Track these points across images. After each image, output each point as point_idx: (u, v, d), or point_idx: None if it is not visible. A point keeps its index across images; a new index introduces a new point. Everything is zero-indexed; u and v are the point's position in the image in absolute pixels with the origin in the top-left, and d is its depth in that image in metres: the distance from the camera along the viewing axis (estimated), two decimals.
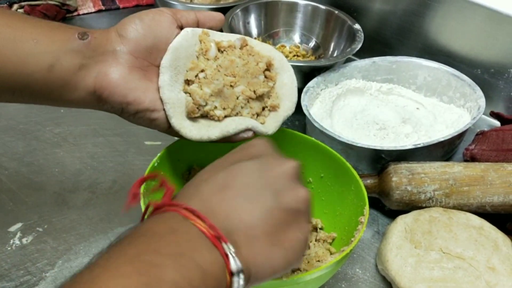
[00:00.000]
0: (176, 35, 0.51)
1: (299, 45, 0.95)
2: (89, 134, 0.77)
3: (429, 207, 0.64)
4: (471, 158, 0.72)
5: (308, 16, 0.94)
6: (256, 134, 0.53)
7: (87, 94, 0.49)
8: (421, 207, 0.65)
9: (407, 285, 0.56)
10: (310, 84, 0.78)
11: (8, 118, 0.79)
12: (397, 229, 0.61)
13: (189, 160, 0.61)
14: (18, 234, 0.62)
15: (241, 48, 0.54)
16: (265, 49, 0.56)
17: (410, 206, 0.65)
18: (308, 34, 0.95)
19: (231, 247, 0.35)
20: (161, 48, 0.51)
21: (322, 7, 0.93)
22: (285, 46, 0.95)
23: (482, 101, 0.75)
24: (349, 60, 0.85)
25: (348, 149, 0.69)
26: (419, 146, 0.68)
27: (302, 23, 0.95)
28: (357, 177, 0.57)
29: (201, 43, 0.52)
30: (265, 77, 0.54)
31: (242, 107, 0.52)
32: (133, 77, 0.49)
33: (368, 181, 0.67)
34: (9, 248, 0.60)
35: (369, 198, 0.68)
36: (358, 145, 0.68)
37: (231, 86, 0.52)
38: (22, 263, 0.59)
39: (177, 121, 0.49)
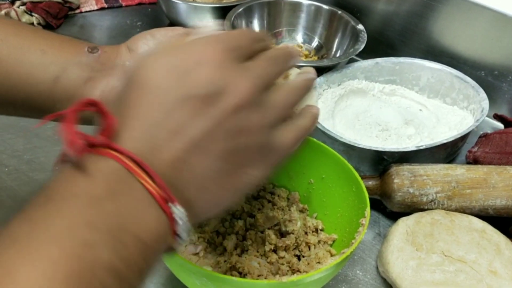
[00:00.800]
0: None
1: (302, 45, 0.95)
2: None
3: (431, 209, 0.64)
4: (474, 161, 0.71)
5: (311, 16, 0.94)
6: None
7: None
8: (423, 210, 0.64)
9: None
10: None
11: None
12: (399, 231, 0.61)
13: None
14: None
15: None
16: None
17: (412, 208, 0.65)
18: (311, 34, 0.95)
19: (182, 210, 0.32)
20: None
21: (325, 7, 0.93)
22: None
23: (485, 103, 0.74)
24: (352, 61, 0.84)
25: (349, 150, 0.69)
26: (421, 148, 0.67)
27: (305, 23, 0.95)
28: (359, 178, 0.56)
29: None
30: None
31: None
32: None
33: (370, 182, 0.66)
34: None
35: (370, 199, 0.67)
36: (360, 146, 0.67)
37: None
38: None
39: None
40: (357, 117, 0.79)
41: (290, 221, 0.59)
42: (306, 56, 0.92)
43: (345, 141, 0.68)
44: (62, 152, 0.31)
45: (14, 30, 0.46)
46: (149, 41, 0.48)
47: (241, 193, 0.37)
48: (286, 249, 0.57)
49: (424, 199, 0.64)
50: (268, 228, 0.58)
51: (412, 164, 0.66)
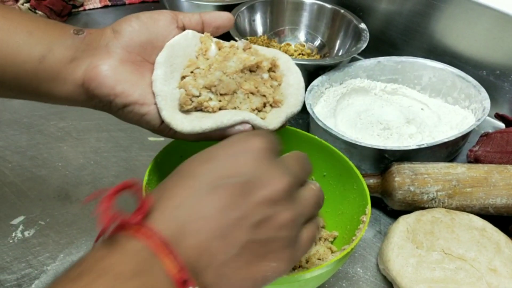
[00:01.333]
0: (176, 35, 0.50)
1: (304, 43, 0.95)
2: (92, 129, 0.77)
3: (431, 207, 0.64)
4: (475, 160, 0.72)
5: (314, 14, 0.94)
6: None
7: (76, 87, 0.48)
8: (423, 208, 0.64)
9: (408, 285, 0.56)
10: (315, 82, 0.78)
11: (12, 111, 0.80)
12: (399, 229, 0.61)
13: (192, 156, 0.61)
14: (20, 227, 0.62)
15: (244, 50, 0.52)
16: (270, 52, 0.54)
17: (412, 206, 0.65)
18: (313, 33, 0.95)
19: None
20: (156, 45, 0.49)
21: (328, 6, 0.93)
22: (290, 45, 0.95)
23: (487, 102, 0.74)
24: (354, 60, 0.85)
25: (351, 148, 0.69)
26: (423, 146, 0.67)
27: (307, 21, 0.95)
28: (360, 176, 0.56)
29: (202, 44, 0.51)
30: (270, 78, 0.52)
31: (240, 102, 0.49)
32: (123, 69, 0.47)
33: (371, 180, 0.67)
34: (11, 241, 0.61)
35: (371, 197, 0.68)
36: (362, 144, 0.68)
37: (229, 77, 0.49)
38: (24, 256, 0.59)
39: (168, 113, 0.47)
40: (358, 116, 0.80)
41: None
42: (309, 55, 0.93)
43: (346, 139, 0.68)
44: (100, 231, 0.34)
45: (1, 13, 0.47)
46: (133, 22, 0.48)
47: (259, 286, 0.37)
48: None
49: (425, 197, 0.64)
50: None
51: (413, 162, 0.66)
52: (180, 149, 0.58)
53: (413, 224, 0.61)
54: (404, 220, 0.62)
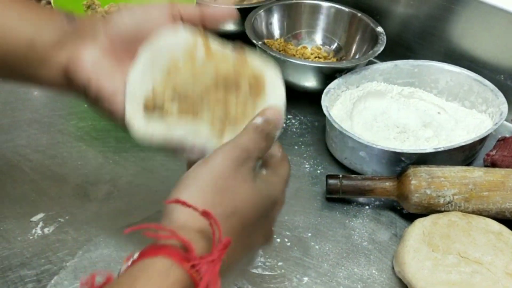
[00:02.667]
0: None
1: (321, 46, 0.96)
2: (111, 129, 0.78)
3: (448, 211, 0.64)
4: (492, 164, 0.71)
5: (331, 18, 0.95)
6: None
7: (59, 72, 0.47)
8: (439, 211, 0.64)
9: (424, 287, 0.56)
10: (331, 85, 0.78)
11: (33, 111, 0.81)
12: (415, 232, 0.61)
13: None
14: (40, 224, 0.63)
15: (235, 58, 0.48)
16: (261, 65, 0.49)
17: (428, 209, 0.65)
18: (330, 36, 0.95)
19: None
20: (143, 39, 0.47)
21: (345, 9, 0.93)
22: (307, 48, 0.95)
23: (504, 107, 0.74)
24: (370, 63, 0.85)
25: (368, 151, 0.69)
26: (439, 149, 0.68)
27: (324, 25, 0.96)
28: None
29: (190, 44, 0.48)
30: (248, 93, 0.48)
31: (203, 109, 0.46)
32: (103, 60, 0.47)
33: (387, 183, 0.67)
34: (31, 237, 0.62)
35: (387, 201, 0.68)
36: (378, 147, 0.68)
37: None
38: (43, 252, 0.60)
39: (131, 108, 0.46)
40: (375, 119, 0.80)
41: None
42: (325, 58, 0.93)
43: (363, 142, 0.68)
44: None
45: None
46: (124, 14, 0.48)
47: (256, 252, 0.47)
48: None
49: (441, 200, 0.64)
50: None
51: (430, 165, 0.66)
52: None
53: (429, 227, 0.61)
54: (420, 223, 0.62)
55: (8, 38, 0.47)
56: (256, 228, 0.44)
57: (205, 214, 0.38)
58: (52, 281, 0.57)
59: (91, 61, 0.46)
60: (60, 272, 0.58)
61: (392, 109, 0.82)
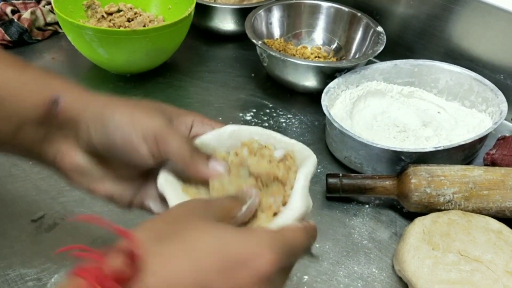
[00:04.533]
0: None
1: (321, 46, 0.96)
2: None
3: (448, 210, 0.64)
4: (492, 163, 0.71)
5: (331, 18, 0.95)
6: None
7: (51, 163, 0.47)
8: (439, 210, 0.64)
9: (423, 286, 0.56)
10: (331, 85, 0.78)
11: None
12: (415, 231, 0.61)
13: None
14: (41, 223, 0.63)
15: (281, 160, 0.45)
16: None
17: (428, 208, 0.65)
18: (330, 36, 0.96)
19: None
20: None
21: (345, 9, 0.93)
22: (307, 47, 0.95)
23: (504, 106, 0.74)
24: (370, 62, 0.85)
25: (368, 150, 0.69)
26: (439, 148, 0.68)
27: (324, 24, 0.96)
28: None
29: (236, 155, 0.45)
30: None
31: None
32: (90, 161, 0.46)
33: (387, 182, 0.67)
34: (31, 236, 0.62)
35: (387, 199, 0.68)
36: (378, 146, 0.68)
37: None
38: (44, 250, 0.60)
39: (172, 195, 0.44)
40: (375, 118, 0.80)
41: None
42: (325, 57, 0.93)
43: (363, 141, 0.68)
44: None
45: None
46: (105, 128, 0.43)
47: None
48: None
49: (441, 199, 0.64)
50: None
51: (430, 164, 0.66)
52: None
53: (429, 226, 0.61)
54: (420, 222, 0.62)
55: None
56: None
57: (120, 232, 0.33)
58: (52, 280, 0.57)
59: (75, 166, 0.46)
60: (60, 271, 0.58)
61: (392, 109, 0.82)
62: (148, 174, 0.47)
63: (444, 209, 0.65)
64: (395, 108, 0.82)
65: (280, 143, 0.46)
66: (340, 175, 0.68)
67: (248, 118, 0.83)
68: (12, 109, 0.43)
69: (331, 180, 0.68)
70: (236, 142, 0.46)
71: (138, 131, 0.42)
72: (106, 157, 0.45)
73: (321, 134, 0.80)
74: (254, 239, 0.35)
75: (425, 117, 0.80)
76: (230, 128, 0.46)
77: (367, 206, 0.69)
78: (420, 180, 0.64)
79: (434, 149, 0.68)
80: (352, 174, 0.69)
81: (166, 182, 0.44)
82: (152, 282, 0.31)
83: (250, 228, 0.37)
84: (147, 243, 0.33)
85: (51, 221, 0.64)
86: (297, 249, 0.38)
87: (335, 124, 0.71)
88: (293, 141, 0.46)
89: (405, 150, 0.68)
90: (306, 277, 0.60)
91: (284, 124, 0.82)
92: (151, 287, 0.31)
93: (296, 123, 0.83)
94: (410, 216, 0.67)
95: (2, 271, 0.58)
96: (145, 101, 0.45)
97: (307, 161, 0.45)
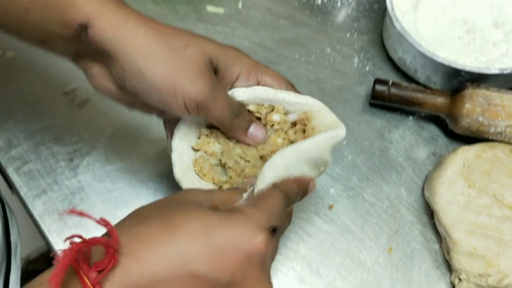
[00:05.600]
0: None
1: None
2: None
3: (495, 141, 0.60)
4: None
5: None
6: None
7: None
8: (487, 140, 0.61)
9: (449, 223, 0.55)
10: None
11: None
12: (456, 162, 0.58)
13: None
14: (73, 96, 0.62)
15: (296, 124, 0.46)
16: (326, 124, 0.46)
17: (476, 135, 0.61)
18: None
19: None
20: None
21: None
22: None
23: None
24: None
25: (425, 59, 0.63)
26: (505, 72, 0.61)
27: None
28: None
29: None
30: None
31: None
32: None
33: (439, 100, 0.62)
34: (64, 111, 0.61)
35: (434, 115, 0.64)
36: (438, 60, 0.61)
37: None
38: (76, 129, 0.60)
39: (180, 170, 0.45)
40: (442, 10, 0.71)
41: None
42: None
43: (423, 51, 0.61)
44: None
45: None
46: (143, 81, 0.40)
47: None
48: None
49: (492, 129, 0.60)
50: None
51: (490, 88, 0.60)
52: None
53: (471, 160, 0.58)
54: (463, 153, 0.59)
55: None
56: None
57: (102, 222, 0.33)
58: (84, 162, 0.58)
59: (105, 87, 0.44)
60: (92, 153, 0.59)
61: (464, 1, 0.72)
62: None
63: (492, 140, 0.61)
64: (467, 0, 0.72)
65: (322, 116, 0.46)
66: (390, 83, 0.63)
67: None
68: (38, 21, 0.39)
69: (378, 87, 0.63)
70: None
71: (179, 98, 0.39)
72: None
73: (378, 22, 0.72)
74: (242, 222, 0.34)
75: (498, 16, 0.71)
76: (263, 90, 0.45)
77: (411, 117, 0.65)
78: (475, 107, 0.59)
79: (499, 72, 0.61)
80: (403, 84, 0.64)
81: (180, 140, 0.45)
82: (136, 269, 0.31)
83: (237, 210, 0.35)
84: (131, 226, 0.33)
85: (84, 96, 0.62)
86: (282, 213, 0.37)
87: (396, 24, 0.63)
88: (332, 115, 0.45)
89: (467, 68, 0.61)
90: (332, 190, 0.60)
91: (339, 3, 0.73)
92: (134, 275, 0.31)
93: (353, 3, 0.74)
94: (453, 136, 0.63)
95: (35, 147, 0.58)
96: (189, 39, 0.41)
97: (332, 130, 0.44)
